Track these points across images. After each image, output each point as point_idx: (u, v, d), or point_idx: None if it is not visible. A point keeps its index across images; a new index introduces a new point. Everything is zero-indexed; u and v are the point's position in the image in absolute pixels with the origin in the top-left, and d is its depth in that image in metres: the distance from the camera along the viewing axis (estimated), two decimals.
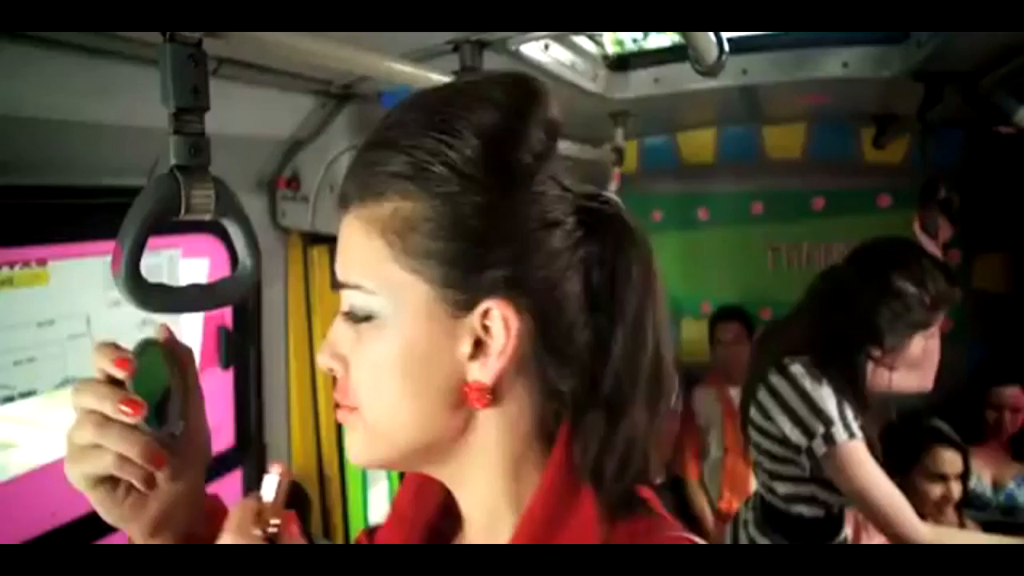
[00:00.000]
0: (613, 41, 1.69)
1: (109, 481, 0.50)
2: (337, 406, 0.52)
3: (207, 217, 0.61)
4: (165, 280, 0.60)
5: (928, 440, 1.72)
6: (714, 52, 0.95)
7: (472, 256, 0.46)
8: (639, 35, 2.01)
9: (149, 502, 0.52)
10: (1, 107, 0.86)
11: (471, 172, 0.46)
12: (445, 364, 0.48)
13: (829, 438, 1.24)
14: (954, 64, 1.25)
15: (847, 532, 1.48)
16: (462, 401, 0.48)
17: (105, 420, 0.48)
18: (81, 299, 1.15)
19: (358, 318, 0.48)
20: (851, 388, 1.29)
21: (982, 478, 2.01)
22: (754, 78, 1.52)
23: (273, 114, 1.30)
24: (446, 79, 1.06)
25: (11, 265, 1.04)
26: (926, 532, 1.24)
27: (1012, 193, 2.02)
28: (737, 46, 1.39)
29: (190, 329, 1.38)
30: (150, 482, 0.50)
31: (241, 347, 1.46)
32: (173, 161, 0.58)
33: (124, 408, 0.47)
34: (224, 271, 1.38)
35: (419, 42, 1.05)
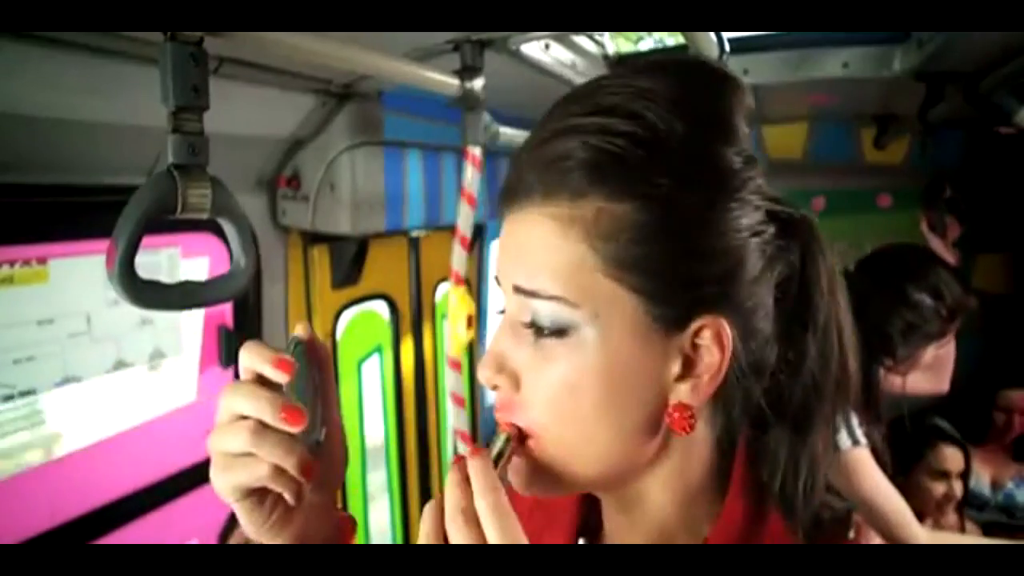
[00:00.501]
0: (631, 39, 1.69)
1: (259, 493, 0.45)
2: (519, 431, 0.44)
3: (204, 216, 0.61)
4: (164, 279, 0.60)
5: (931, 438, 1.73)
6: (715, 52, 0.95)
7: (687, 268, 0.41)
8: (643, 35, 2.01)
9: (295, 516, 0.47)
10: (1, 105, 0.86)
11: (685, 167, 0.41)
12: (651, 386, 0.43)
13: (833, 445, 1.25)
14: (955, 64, 1.25)
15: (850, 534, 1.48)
16: (661, 425, 0.44)
17: (262, 428, 0.42)
18: (81, 298, 1.15)
19: (545, 332, 0.42)
20: (862, 398, 1.29)
21: (981, 478, 2.01)
22: (755, 78, 1.52)
23: (273, 113, 1.30)
24: (447, 79, 1.06)
25: (11, 263, 1.04)
26: (926, 539, 1.25)
27: (1013, 193, 2.01)
28: (738, 46, 1.39)
29: (191, 328, 1.38)
30: (300, 495, 0.45)
31: (241, 347, 1.46)
32: (171, 160, 0.58)
33: (285, 416, 0.42)
34: (224, 269, 1.38)
35: (420, 42, 1.04)
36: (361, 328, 1.89)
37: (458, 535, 0.40)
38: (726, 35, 0.94)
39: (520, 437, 0.45)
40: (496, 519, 0.39)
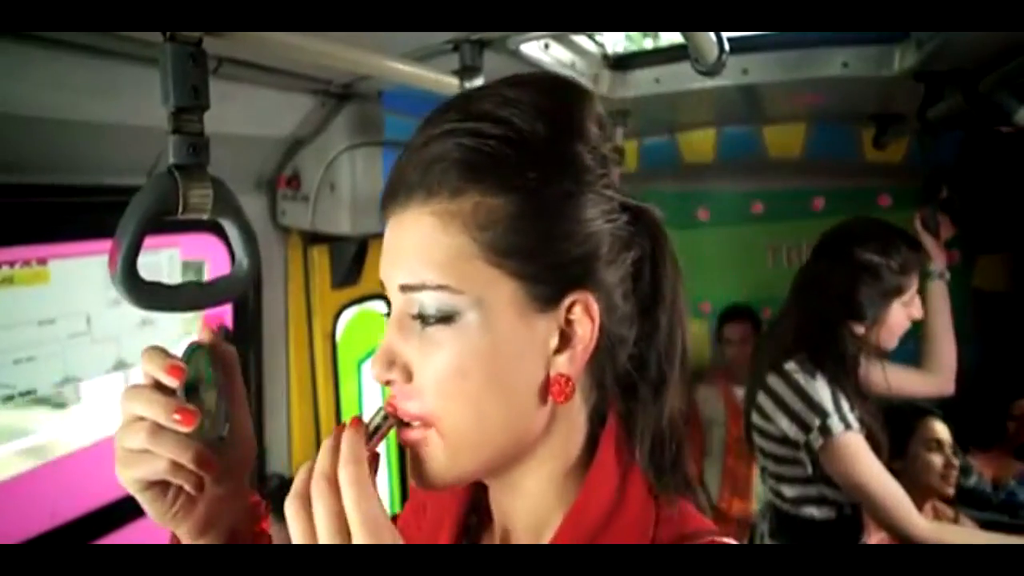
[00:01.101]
0: (634, 39, 1.69)
1: (160, 484, 0.50)
2: (405, 425, 0.48)
3: (205, 216, 0.61)
4: (165, 279, 0.60)
5: (917, 414, 1.74)
6: (715, 52, 0.94)
7: (555, 250, 0.46)
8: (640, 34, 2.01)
9: (197, 504, 0.52)
10: (2, 106, 0.86)
11: (549, 163, 0.46)
12: (534, 361, 0.47)
13: (826, 430, 1.25)
14: (954, 63, 1.25)
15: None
16: (546, 398, 0.48)
17: (157, 427, 0.47)
18: (81, 298, 1.15)
19: (432, 320, 0.46)
20: (844, 375, 1.30)
21: (983, 477, 2.01)
22: (754, 78, 1.52)
23: (273, 113, 1.30)
24: (447, 78, 1.06)
25: (12, 264, 1.04)
26: (925, 527, 1.23)
27: (1012, 193, 2.01)
28: (737, 46, 1.39)
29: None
30: (200, 486, 0.50)
31: (241, 347, 1.46)
32: (172, 160, 0.58)
33: (177, 418, 0.47)
34: (224, 271, 1.39)
35: (419, 42, 1.04)
36: (361, 328, 1.89)
37: (318, 500, 0.42)
38: (725, 35, 0.94)
39: (398, 418, 0.48)
40: (354, 490, 0.42)
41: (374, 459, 0.46)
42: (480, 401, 0.46)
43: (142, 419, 0.48)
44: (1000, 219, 2.09)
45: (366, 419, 0.47)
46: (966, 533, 1.30)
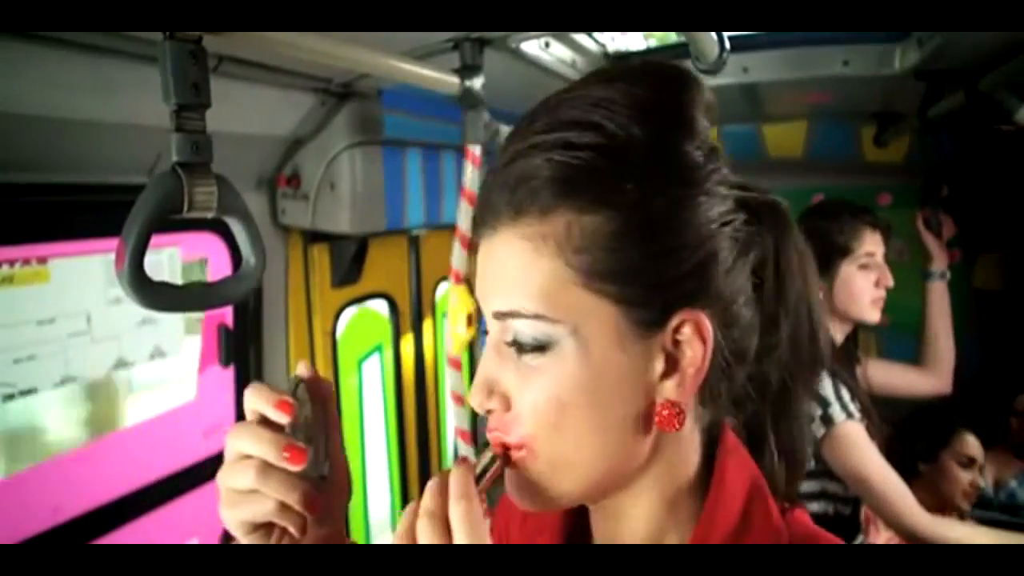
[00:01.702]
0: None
1: (265, 526, 0.48)
2: (505, 449, 0.46)
3: (210, 215, 0.61)
4: (166, 278, 0.60)
5: (955, 425, 1.74)
6: (715, 50, 0.94)
7: (661, 268, 0.42)
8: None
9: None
10: (1, 104, 0.86)
11: (650, 171, 0.42)
12: (636, 388, 0.43)
13: (827, 419, 1.27)
14: (955, 62, 1.25)
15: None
16: (651, 426, 0.44)
17: (267, 467, 0.45)
18: (82, 297, 1.15)
19: (527, 348, 0.43)
20: (841, 366, 1.34)
21: (984, 477, 2.01)
22: (755, 76, 1.52)
23: (273, 112, 1.30)
24: (447, 78, 1.06)
25: (11, 263, 1.04)
26: (926, 520, 1.24)
27: (1013, 192, 2.01)
28: (738, 44, 1.39)
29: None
30: (304, 528, 0.48)
31: (241, 346, 1.46)
32: (175, 158, 0.58)
33: (287, 455, 0.45)
34: (224, 269, 1.38)
35: (419, 40, 1.04)
36: (361, 327, 1.89)
37: (425, 537, 0.41)
38: (726, 33, 0.94)
39: (507, 458, 0.46)
40: (464, 526, 0.40)
41: (482, 503, 0.43)
42: (579, 431, 0.43)
43: (249, 457, 0.46)
44: (1000, 218, 2.09)
45: (477, 460, 0.46)
46: (966, 529, 1.30)
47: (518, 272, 0.43)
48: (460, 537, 0.40)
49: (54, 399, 1.15)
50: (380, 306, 1.92)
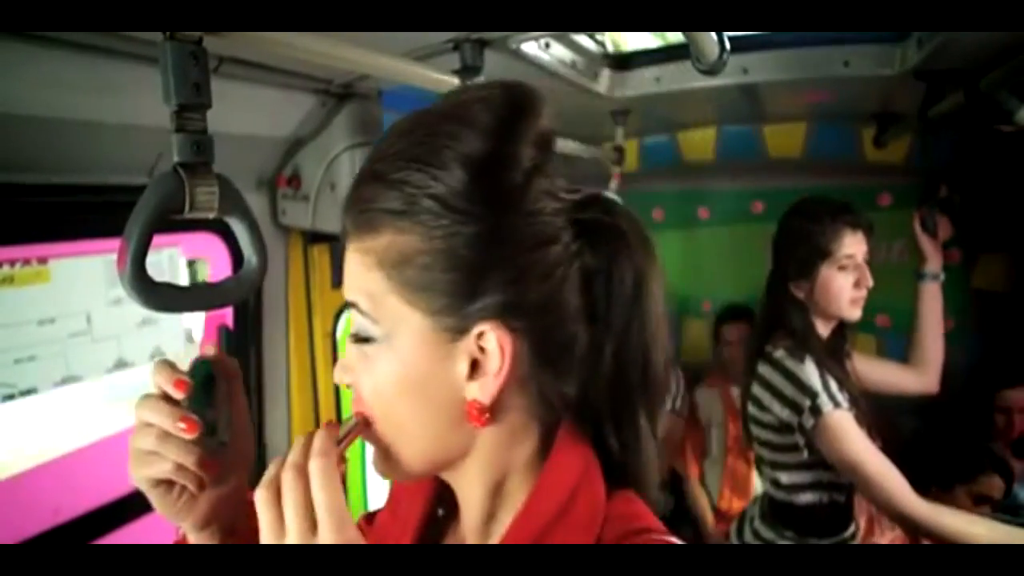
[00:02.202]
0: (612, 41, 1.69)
1: (166, 483, 0.56)
2: (364, 418, 0.52)
3: (211, 215, 0.61)
4: (167, 279, 0.60)
5: (984, 463, 1.71)
6: (715, 51, 0.94)
7: (466, 285, 0.47)
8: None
9: (199, 501, 0.58)
10: (1, 105, 0.86)
11: (461, 205, 0.46)
12: (444, 385, 0.49)
13: (816, 409, 1.29)
14: (955, 62, 1.25)
15: (857, 526, 1.49)
16: (463, 419, 0.49)
17: (165, 434, 0.53)
18: (82, 297, 1.15)
19: (361, 339, 0.50)
20: (827, 357, 1.37)
21: None
22: (755, 77, 1.52)
23: (273, 113, 1.30)
24: (447, 78, 1.06)
25: (12, 263, 1.04)
26: (922, 507, 1.24)
27: (1013, 192, 2.01)
28: (738, 45, 1.39)
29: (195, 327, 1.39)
30: (201, 485, 0.56)
31: (241, 346, 1.46)
32: (176, 159, 0.58)
33: (181, 426, 0.53)
34: (224, 269, 1.39)
35: (419, 41, 1.04)
36: None
37: (288, 490, 0.46)
38: (726, 34, 0.94)
39: (367, 422, 0.52)
40: (320, 478, 0.46)
41: (341, 460, 0.49)
42: (398, 417, 0.50)
43: (151, 425, 0.54)
44: (1000, 219, 2.09)
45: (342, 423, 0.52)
46: (960, 517, 1.29)
47: (354, 276, 0.50)
48: (315, 487, 0.45)
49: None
50: None
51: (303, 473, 0.46)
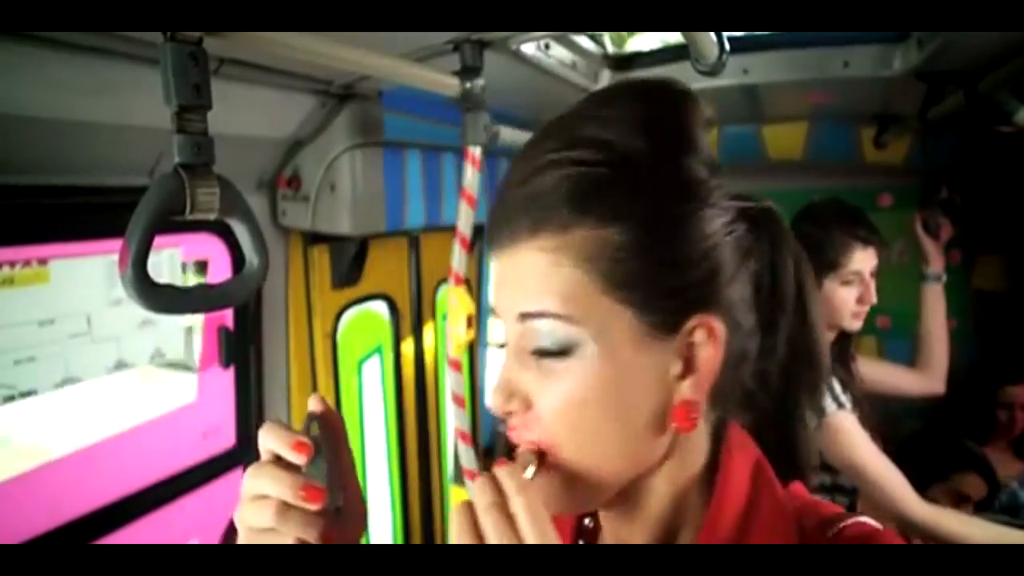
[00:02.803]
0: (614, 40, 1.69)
1: None
2: (538, 449, 0.47)
3: (212, 216, 0.61)
4: (167, 280, 0.60)
5: (961, 462, 1.71)
6: (715, 51, 0.94)
7: (673, 277, 0.45)
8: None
9: None
10: (1, 106, 0.86)
11: (659, 185, 0.45)
12: (654, 389, 0.46)
13: (819, 410, 1.28)
14: (955, 63, 1.25)
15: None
16: (666, 426, 0.46)
17: (285, 506, 0.47)
18: (82, 298, 1.15)
19: (551, 352, 0.45)
20: (832, 359, 1.33)
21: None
22: (755, 78, 1.52)
23: (273, 114, 1.30)
24: (447, 79, 1.06)
25: (12, 264, 1.04)
26: (923, 510, 1.25)
27: (1013, 193, 2.01)
28: (738, 45, 1.39)
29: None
30: None
31: (241, 347, 1.46)
32: (177, 160, 0.58)
33: (303, 495, 0.46)
34: (225, 270, 1.39)
35: (420, 42, 1.04)
36: (361, 328, 1.89)
37: (493, 531, 0.42)
38: (726, 34, 0.94)
39: (541, 454, 0.47)
40: (531, 516, 0.42)
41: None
42: (600, 430, 0.45)
43: (267, 497, 0.47)
44: (1000, 219, 2.09)
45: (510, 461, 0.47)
46: (960, 519, 1.30)
47: (541, 279, 0.45)
48: (527, 529, 0.41)
49: None
50: (380, 308, 1.92)
51: (505, 513, 0.42)
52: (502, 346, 0.49)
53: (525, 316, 0.46)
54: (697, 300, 0.45)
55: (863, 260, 1.37)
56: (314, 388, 1.69)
